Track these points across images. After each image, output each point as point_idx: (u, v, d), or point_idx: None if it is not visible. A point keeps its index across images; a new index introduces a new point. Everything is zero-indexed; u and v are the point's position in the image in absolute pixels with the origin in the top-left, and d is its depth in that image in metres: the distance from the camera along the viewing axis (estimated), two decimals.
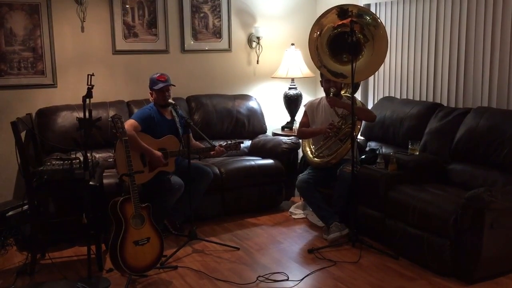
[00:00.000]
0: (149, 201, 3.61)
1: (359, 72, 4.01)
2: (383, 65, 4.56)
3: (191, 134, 4.34)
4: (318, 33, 4.10)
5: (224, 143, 4.32)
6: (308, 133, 4.60)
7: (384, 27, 4.11)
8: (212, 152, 4.31)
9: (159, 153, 4.07)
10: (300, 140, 4.82)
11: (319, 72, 4.37)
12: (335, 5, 4.19)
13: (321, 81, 4.53)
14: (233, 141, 4.34)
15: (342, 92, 4.53)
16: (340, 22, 4.04)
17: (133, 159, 3.62)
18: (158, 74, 4.22)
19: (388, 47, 4.15)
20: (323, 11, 4.18)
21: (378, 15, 5.22)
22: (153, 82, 4.21)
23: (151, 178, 4.08)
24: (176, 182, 4.11)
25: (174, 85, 4.29)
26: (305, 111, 4.67)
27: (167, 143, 4.17)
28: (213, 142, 4.31)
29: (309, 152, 4.59)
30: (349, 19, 3.97)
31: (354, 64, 3.91)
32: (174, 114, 4.27)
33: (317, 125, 4.52)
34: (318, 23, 4.10)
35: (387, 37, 4.07)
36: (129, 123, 4.04)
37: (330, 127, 4.33)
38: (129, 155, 3.53)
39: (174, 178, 4.14)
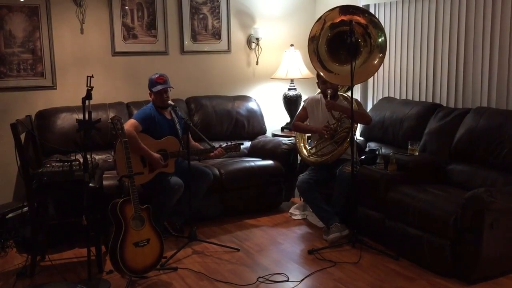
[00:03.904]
0: (149, 202, 3.61)
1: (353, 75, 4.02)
2: (382, 65, 4.58)
3: (190, 135, 4.34)
4: (319, 31, 4.11)
5: (224, 145, 4.32)
6: (303, 128, 4.63)
7: (385, 49, 4.14)
8: (211, 154, 4.30)
9: (157, 155, 4.07)
10: (295, 135, 4.83)
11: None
12: (334, 6, 4.20)
13: (317, 83, 4.54)
14: (232, 143, 4.34)
15: (340, 88, 4.54)
16: (340, 19, 4.03)
17: (133, 159, 3.62)
18: (157, 75, 4.21)
19: (381, 65, 4.20)
20: (324, 11, 4.19)
21: (377, 16, 5.23)
22: (151, 84, 4.21)
23: (150, 179, 4.08)
24: (175, 183, 4.11)
25: (173, 87, 4.28)
26: (304, 106, 4.68)
27: (167, 144, 4.18)
28: (213, 143, 4.31)
29: (304, 150, 4.61)
30: (349, 16, 3.97)
31: (353, 64, 3.91)
32: (174, 115, 4.28)
33: (316, 122, 4.54)
34: (320, 20, 4.11)
35: (384, 55, 4.12)
36: (130, 123, 4.05)
37: (325, 129, 4.35)
38: (129, 156, 3.53)
39: (173, 178, 4.14)
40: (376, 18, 4.18)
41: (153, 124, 4.17)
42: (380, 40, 4.07)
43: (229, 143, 4.33)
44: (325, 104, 4.37)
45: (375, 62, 4.12)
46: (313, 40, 4.13)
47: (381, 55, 4.10)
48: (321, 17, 4.13)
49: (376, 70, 4.28)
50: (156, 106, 4.24)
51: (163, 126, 4.22)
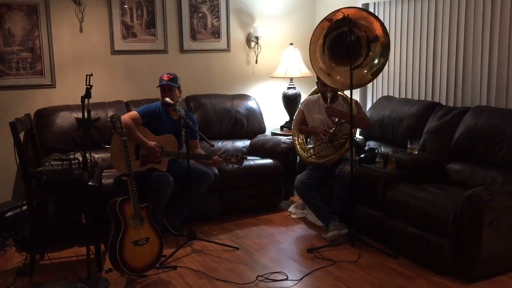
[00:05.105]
0: (143, 198, 3.60)
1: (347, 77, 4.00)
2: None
3: (198, 140, 4.34)
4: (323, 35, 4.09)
5: (225, 154, 4.26)
6: (305, 131, 4.66)
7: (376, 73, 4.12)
8: (209, 161, 4.27)
9: (153, 143, 4.07)
10: (292, 134, 4.83)
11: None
12: (334, 5, 4.19)
13: (317, 83, 4.54)
14: (234, 154, 4.24)
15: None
16: (341, 17, 4.00)
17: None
18: (164, 74, 4.26)
19: (368, 81, 4.24)
20: (324, 10, 4.16)
21: (376, 14, 5.22)
22: (158, 81, 4.27)
23: (141, 172, 4.05)
24: (164, 178, 4.06)
25: (173, 85, 4.26)
26: (301, 109, 4.68)
27: (164, 142, 4.17)
28: (213, 142, 4.29)
29: (301, 150, 4.60)
30: (342, 14, 3.95)
31: (352, 65, 3.91)
32: (182, 114, 4.20)
33: (315, 123, 4.54)
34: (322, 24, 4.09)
35: (370, 76, 4.12)
36: (130, 114, 4.17)
37: (324, 132, 4.35)
38: (128, 155, 3.53)
39: (162, 174, 4.10)
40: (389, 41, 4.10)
41: (155, 120, 4.19)
42: (375, 61, 4.05)
43: (233, 154, 4.25)
44: (324, 108, 4.36)
45: (364, 72, 4.10)
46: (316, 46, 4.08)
47: (367, 70, 4.08)
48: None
49: (363, 81, 4.23)
50: (162, 104, 4.26)
51: (165, 125, 4.22)
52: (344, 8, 4.01)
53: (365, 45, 4.07)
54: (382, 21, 4.13)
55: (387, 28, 5.08)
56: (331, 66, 4.14)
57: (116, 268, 3.46)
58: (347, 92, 4.46)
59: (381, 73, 5.29)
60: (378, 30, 4.00)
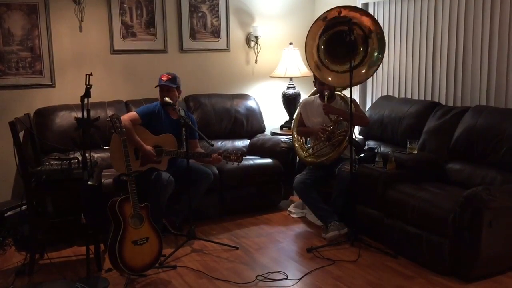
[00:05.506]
0: (143, 198, 3.60)
1: (343, 77, 4.00)
2: (381, 64, 4.59)
3: (197, 140, 4.34)
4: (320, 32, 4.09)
5: (225, 153, 4.24)
6: (303, 132, 4.65)
7: (375, 67, 4.15)
8: (209, 159, 4.26)
9: (149, 148, 4.07)
10: (292, 134, 4.83)
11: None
12: (333, 5, 4.19)
13: (314, 82, 4.54)
14: (233, 152, 4.24)
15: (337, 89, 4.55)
16: (335, 15, 4.00)
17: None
18: (164, 74, 4.26)
19: (367, 78, 4.25)
20: (324, 10, 4.17)
21: (376, 15, 5.23)
22: (158, 81, 4.27)
23: (141, 172, 4.05)
24: (165, 178, 4.07)
25: (171, 86, 4.24)
26: (299, 111, 4.68)
27: (164, 141, 4.18)
28: (212, 142, 4.29)
29: (300, 151, 4.60)
30: (339, 10, 3.95)
31: (352, 62, 3.91)
32: (182, 114, 4.20)
33: (313, 123, 4.53)
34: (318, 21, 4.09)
35: (371, 71, 4.14)
36: (129, 114, 4.17)
37: (322, 131, 4.35)
38: (128, 154, 3.53)
39: (163, 174, 4.10)
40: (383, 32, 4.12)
41: (155, 120, 4.20)
42: (375, 55, 4.05)
43: (232, 151, 4.24)
44: (322, 106, 4.36)
45: (363, 72, 4.11)
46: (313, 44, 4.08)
47: (366, 69, 4.10)
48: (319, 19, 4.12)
49: (362, 80, 4.25)
50: (161, 104, 4.26)
51: (164, 125, 4.23)
52: (337, 7, 4.02)
53: (361, 43, 4.07)
54: (382, 20, 4.14)
55: (387, 28, 5.13)
56: (327, 64, 4.15)
57: (115, 267, 3.46)
58: (345, 92, 4.48)
59: (381, 72, 5.34)
60: (369, 24, 4.01)
